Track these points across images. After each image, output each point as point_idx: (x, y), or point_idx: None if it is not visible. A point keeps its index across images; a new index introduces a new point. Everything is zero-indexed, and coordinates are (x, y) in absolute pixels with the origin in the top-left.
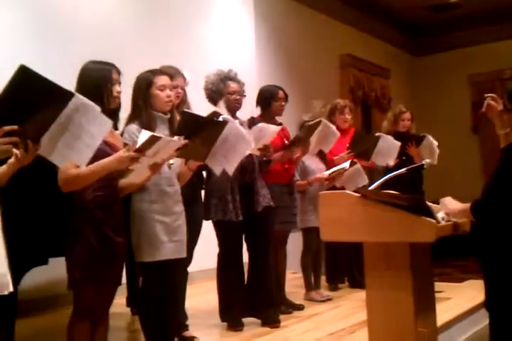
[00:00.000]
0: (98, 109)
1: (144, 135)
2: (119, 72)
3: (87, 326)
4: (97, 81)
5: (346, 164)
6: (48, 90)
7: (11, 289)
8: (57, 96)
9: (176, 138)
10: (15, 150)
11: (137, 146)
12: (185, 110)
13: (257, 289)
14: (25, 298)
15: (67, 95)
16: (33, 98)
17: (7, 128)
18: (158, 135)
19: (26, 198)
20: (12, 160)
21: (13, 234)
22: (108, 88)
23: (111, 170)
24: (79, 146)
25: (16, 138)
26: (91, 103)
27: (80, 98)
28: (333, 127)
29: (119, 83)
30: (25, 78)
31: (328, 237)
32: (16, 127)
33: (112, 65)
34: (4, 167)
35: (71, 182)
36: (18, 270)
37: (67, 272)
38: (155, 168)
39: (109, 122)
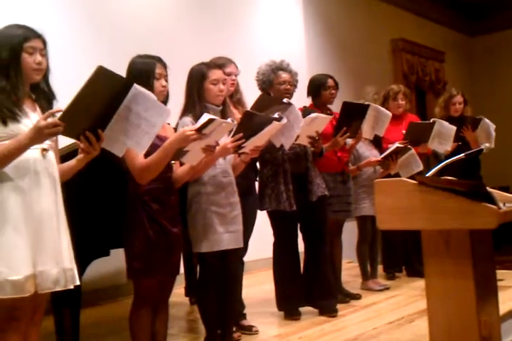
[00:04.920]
0: (154, 97)
1: (204, 117)
2: (165, 66)
3: (148, 315)
4: (140, 75)
5: (396, 144)
6: (115, 84)
7: (78, 282)
8: (120, 88)
9: (229, 120)
10: (81, 145)
11: (196, 127)
12: (248, 110)
13: (313, 279)
14: (88, 289)
15: (127, 85)
16: (103, 94)
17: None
18: (214, 117)
19: (88, 191)
20: (81, 155)
21: (77, 227)
22: (150, 83)
23: (175, 149)
24: (138, 134)
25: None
26: (147, 92)
27: (137, 87)
28: (382, 109)
29: (165, 76)
30: (101, 77)
31: (386, 226)
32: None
33: (157, 59)
34: (73, 162)
35: (146, 172)
36: (82, 262)
37: (126, 263)
38: (208, 150)
39: (168, 110)
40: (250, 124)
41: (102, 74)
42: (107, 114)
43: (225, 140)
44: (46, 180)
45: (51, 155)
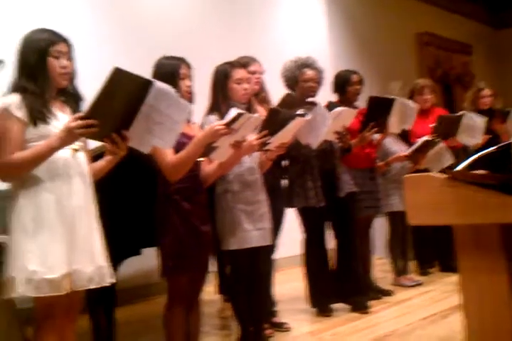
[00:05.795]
0: (175, 93)
1: (232, 112)
2: (189, 67)
3: (181, 312)
4: (166, 76)
5: (424, 138)
6: (134, 84)
7: (113, 280)
8: (141, 87)
9: (256, 115)
10: (108, 146)
11: (225, 122)
12: (274, 107)
13: (345, 275)
14: (121, 288)
15: (147, 84)
16: (124, 95)
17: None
18: (242, 111)
19: (119, 191)
20: (109, 156)
21: (109, 227)
22: (176, 83)
23: (204, 144)
24: (162, 131)
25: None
26: (168, 87)
27: (157, 84)
28: (408, 101)
29: (189, 77)
30: (118, 78)
31: (416, 221)
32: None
33: (181, 60)
34: (103, 162)
35: (176, 169)
36: (114, 261)
37: (160, 261)
38: (236, 146)
39: (189, 106)
40: (275, 121)
41: (119, 75)
42: (130, 114)
43: (250, 138)
44: (77, 180)
45: (81, 156)
